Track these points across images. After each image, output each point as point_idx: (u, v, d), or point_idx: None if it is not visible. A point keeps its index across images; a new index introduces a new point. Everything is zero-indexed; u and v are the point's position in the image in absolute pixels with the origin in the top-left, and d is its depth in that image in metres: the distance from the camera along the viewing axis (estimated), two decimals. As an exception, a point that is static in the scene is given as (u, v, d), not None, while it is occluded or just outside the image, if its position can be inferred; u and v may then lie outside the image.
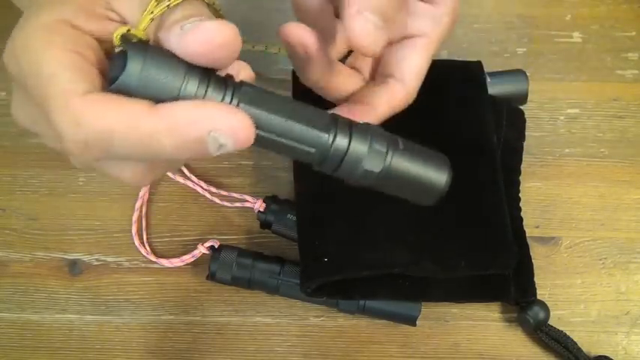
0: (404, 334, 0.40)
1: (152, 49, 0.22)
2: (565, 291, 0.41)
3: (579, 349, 0.39)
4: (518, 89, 0.44)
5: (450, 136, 0.41)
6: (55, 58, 0.22)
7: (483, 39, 0.49)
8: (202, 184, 0.43)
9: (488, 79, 0.42)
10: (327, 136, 0.24)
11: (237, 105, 0.23)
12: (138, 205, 0.43)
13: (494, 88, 0.42)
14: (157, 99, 0.22)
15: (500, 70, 0.44)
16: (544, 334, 0.39)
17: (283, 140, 0.24)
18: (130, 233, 0.42)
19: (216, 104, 0.22)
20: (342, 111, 0.29)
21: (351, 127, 0.25)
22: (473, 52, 0.48)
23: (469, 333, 0.40)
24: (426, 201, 0.27)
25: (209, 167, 0.44)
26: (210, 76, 0.23)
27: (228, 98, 0.23)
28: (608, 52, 0.48)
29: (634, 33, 0.49)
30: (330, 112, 0.26)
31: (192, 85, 0.22)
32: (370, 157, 0.24)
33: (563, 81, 0.48)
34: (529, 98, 0.44)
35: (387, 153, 0.25)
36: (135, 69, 0.21)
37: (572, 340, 0.39)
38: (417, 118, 0.41)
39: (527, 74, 0.44)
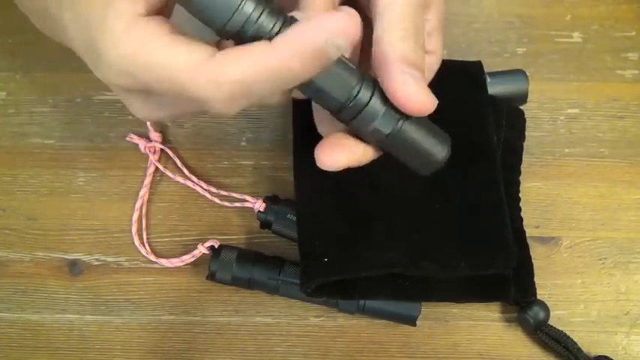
0: (404, 334, 0.40)
1: None
2: (565, 291, 0.41)
3: (579, 349, 0.39)
4: (518, 89, 0.44)
5: (449, 135, 0.41)
6: (163, 45, 0.23)
7: (483, 39, 0.49)
8: (202, 184, 0.43)
9: (488, 79, 0.42)
10: (356, 86, 0.26)
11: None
12: (138, 205, 0.43)
13: (494, 88, 0.42)
14: (212, 13, 0.23)
15: (500, 70, 0.44)
16: (544, 334, 0.39)
17: (322, 80, 0.26)
18: (130, 233, 0.42)
19: (319, 15, 0.23)
20: None
21: (375, 86, 0.27)
22: (473, 52, 0.48)
23: (469, 333, 0.40)
24: (424, 170, 0.29)
25: (209, 167, 0.44)
26: (267, 2, 0.24)
27: (277, 28, 0.24)
28: (608, 52, 0.48)
29: (634, 33, 0.49)
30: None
31: (249, 6, 0.23)
32: (383, 118, 0.27)
33: (563, 81, 0.48)
34: (529, 98, 0.44)
35: (398, 118, 0.27)
36: None
37: (572, 340, 0.39)
38: (417, 118, 0.41)
39: (527, 74, 0.44)
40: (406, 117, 0.28)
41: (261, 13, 0.24)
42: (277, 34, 0.24)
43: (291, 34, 0.23)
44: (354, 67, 0.27)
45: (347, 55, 0.26)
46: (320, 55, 0.23)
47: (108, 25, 0.24)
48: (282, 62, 0.23)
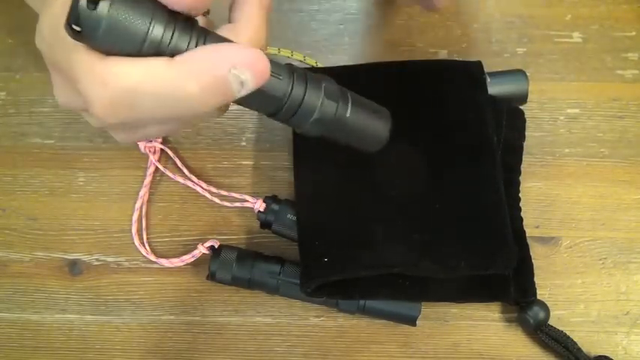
0: (404, 334, 0.40)
1: None
2: (565, 291, 0.41)
3: (579, 349, 0.39)
4: (518, 89, 0.44)
5: (450, 136, 0.41)
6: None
7: (483, 39, 0.49)
8: (202, 184, 0.43)
9: (488, 79, 0.42)
10: (287, 87, 0.25)
11: None
12: (138, 205, 0.43)
13: (494, 88, 0.42)
14: (123, 44, 0.22)
15: (500, 70, 0.44)
16: (544, 334, 0.39)
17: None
18: (130, 233, 0.42)
19: (230, 45, 0.22)
20: None
21: (307, 79, 0.26)
22: (473, 52, 0.48)
23: (469, 333, 0.40)
24: (371, 148, 0.29)
25: (209, 167, 0.44)
26: (175, 20, 0.23)
27: (193, 44, 0.23)
28: (608, 52, 0.48)
29: (634, 33, 0.49)
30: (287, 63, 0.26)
31: (158, 30, 0.22)
32: (322, 110, 0.26)
33: (563, 81, 0.47)
34: (529, 98, 0.44)
35: (337, 106, 0.26)
36: (103, 10, 0.21)
37: (572, 340, 0.39)
38: (417, 118, 0.41)
39: (527, 74, 0.44)
40: (344, 102, 0.26)
41: (172, 33, 0.22)
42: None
43: (195, 55, 0.22)
44: (281, 69, 0.25)
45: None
46: (222, 85, 0.22)
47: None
48: (175, 80, 0.22)
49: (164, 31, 0.22)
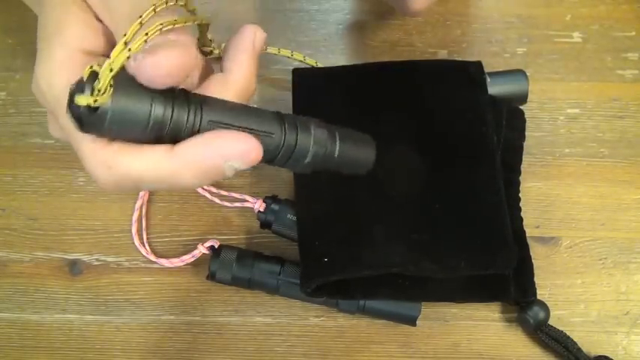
0: (404, 334, 0.40)
1: (119, 83, 0.22)
2: (565, 291, 0.41)
3: (579, 349, 0.39)
4: (518, 89, 0.44)
5: (450, 136, 0.41)
6: None
7: (483, 39, 0.49)
8: (202, 184, 0.43)
9: (488, 79, 0.42)
10: (279, 141, 0.26)
11: (201, 119, 0.24)
12: (138, 205, 0.43)
13: (494, 88, 0.42)
14: (128, 132, 0.23)
15: (500, 70, 0.44)
16: (544, 334, 0.39)
17: None
18: (130, 233, 0.42)
19: (226, 134, 0.24)
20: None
21: (297, 126, 0.27)
22: (473, 52, 0.48)
23: (469, 333, 0.40)
24: (359, 172, 0.31)
25: (209, 167, 0.44)
26: (172, 96, 0.24)
27: (192, 115, 0.24)
28: (608, 52, 0.48)
29: (634, 33, 0.49)
30: (274, 110, 0.28)
31: (159, 109, 0.23)
32: (314, 150, 0.27)
33: (563, 81, 0.47)
34: (529, 98, 0.44)
35: (327, 147, 0.28)
36: (105, 109, 0.22)
37: (572, 340, 0.39)
38: (417, 118, 0.41)
39: (527, 74, 0.44)
40: (332, 140, 0.28)
41: (172, 110, 0.23)
42: (191, 128, 0.24)
43: (191, 148, 0.23)
44: (272, 125, 0.26)
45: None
46: (215, 174, 0.24)
47: (53, 43, 0.24)
48: (175, 170, 0.24)
49: (164, 109, 0.23)
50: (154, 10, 0.23)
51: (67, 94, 0.22)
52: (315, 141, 0.27)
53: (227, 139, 0.24)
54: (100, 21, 0.25)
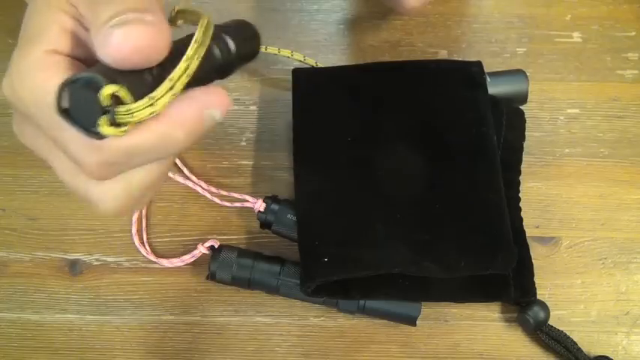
0: (404, 334, 0.40)
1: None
2: (565, 291, 0.41)
3: (579, 349, 0.39)
4: (518, 89, 0.44)
5: (450, 136, 0.41)
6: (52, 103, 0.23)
7: (483, 39, 0.49)
8: (202, 184, 0.43)
9: (488, 79, 0.42)
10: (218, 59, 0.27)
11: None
12: (138, 205, 0.43)
13: (494, 88, 0.42)
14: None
15: (500, 70, 0.44)
16: (544, 334, 0.39)
17: None
18: (130, 233, 0.42)
19: (201, 91, 0.24)
20: None
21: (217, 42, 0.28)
22: (473, 52, 0.48)
23: (469, 333, 0.40)
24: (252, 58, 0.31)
25: (209, 167, 0.44)
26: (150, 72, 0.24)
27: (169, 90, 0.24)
28: (608, 52, 0.48)
29: (634, 33, 0.49)
30: None
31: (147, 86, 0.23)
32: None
33: (563, 81, 0.48)
34: (529, 98, 0.44)
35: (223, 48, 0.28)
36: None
37: (572, 340, 0.39)
38: (418, 118, 0.41)
39: (527, 74, 0.44)
40: (223, 41, 0.28)
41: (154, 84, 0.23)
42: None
43: (178, 108, 0.24)
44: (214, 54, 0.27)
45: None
46: (200, 125, 0.24)
47: (32, 44, 0.25)
48: (166, 133, 0.24)
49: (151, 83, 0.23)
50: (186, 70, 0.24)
51: (47, 93, 0.22)
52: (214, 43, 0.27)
53: (204, 93, 0.24)
54: (83, 26, 0.25)
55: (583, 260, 0.42)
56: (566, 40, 0.49)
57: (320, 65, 0.46)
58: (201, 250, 0.41)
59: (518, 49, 0.48)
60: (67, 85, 0.22)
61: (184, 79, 0.23)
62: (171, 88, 0.23)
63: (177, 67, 0.23)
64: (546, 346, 0.40)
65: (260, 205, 0.41)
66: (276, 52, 0.45)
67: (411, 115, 0.41)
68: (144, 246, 0.42)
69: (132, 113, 0.22)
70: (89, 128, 0.22)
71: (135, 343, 0.40)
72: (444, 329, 0.41)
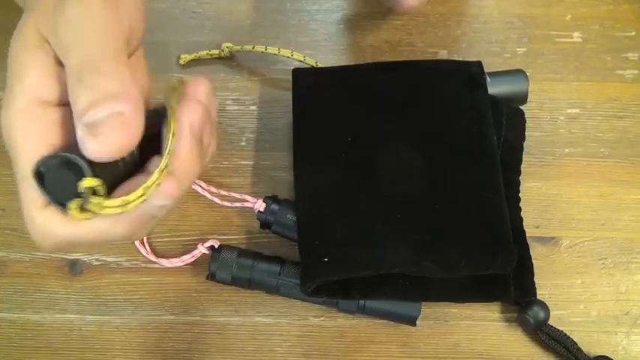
0: (404, 334, 0.40)
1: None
2: (565, 291, 0.41)
3: (579, 349, 0.39)
4: (518, 89, 0.44)
5: (450, 136, 0.41)
6: (26, 159, 0.25)
7: (483, 39, 0.49)
8: (202, 184, 0.43)
9: (488, 79, 0.42)
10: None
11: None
12: (138, 205, 0.43)
13: (494, 88, 0.43)
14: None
15: (500, 70, 0.44)
16: (544, 334, 0.39)
17: None
18: (130, 233, 0.42)
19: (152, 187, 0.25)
20: None
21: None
22: (473, 52, 0.48)
23: (469, 333, 0.40)
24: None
25: (209, 167, 0.44)
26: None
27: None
28: (608, 52, 0.48)
29: (634, 33, 0.49)
30: None
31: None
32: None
33: (563, 81, 0.48)
34: (529, 98, 0.44)
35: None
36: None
37: (572, 340, 0.39)
38: (418, 118, 0.41)
39: (527, 74, 0.44)
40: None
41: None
42: None
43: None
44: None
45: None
46: (148, 220, 0.26)
47: (14, 91, 0.25)
48: (106, 228, 0.25)
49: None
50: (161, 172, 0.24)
51: (24, 144, 0.24)
52: None
53: (161, 191, 0.25)
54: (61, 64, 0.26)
55: (583, 260, 0.42)
56: (566, 40, 0.49)
57: (320, 65, 0.46)
58: (201, 250, 0.41)
59: (518, 49, 0.48)
60: (51, 157, 0.23)
61: (154, 188, 0.24)
62: (142, 195, 0.24)
63: (151, 178, 0.24)
64: (546, 346, 0.40)
65: (260, 205, 0.41)
66: (276, 52, 0.45)
67: (411, 115, 0.41)
68: (144, 246, 0.42)
69: (102, 207, 0.23)
70: (58, 201, 0.24)
71: (135, 343, 0.40)
72: (444, 329, 0.41)
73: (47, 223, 0.25)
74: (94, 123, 0.23)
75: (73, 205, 0.23)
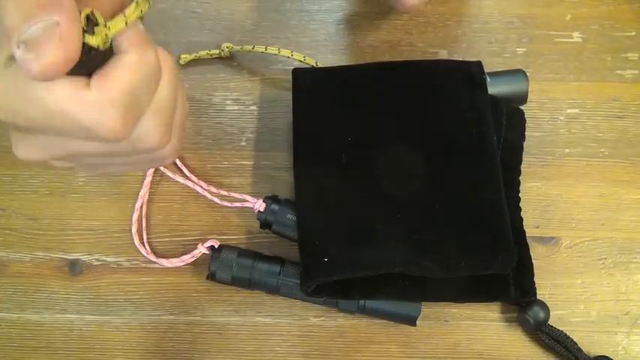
0: (404, 334, 0.40)
1: None
2: (565, 291, 0.41)
3: (579, 349, 0.39)
4: (518, 89, 0.44)
5: (450, 136, 0.41)
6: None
7: (483, 39, 0.49)
8: (202, 184, 0.43)
9: (488, 79, 0.42)
10: None
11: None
12: (138, 205, 0.43)
13: (494, 88, 0.42)
14: None
15: (500, 70, 0.44)
16: (544, 334, 0.39)
17: None
18: (130, 233, 0.42)
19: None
20: None
21: None
22: (473, 52, 0.48)
23: (469, 333, 0.40)
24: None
25: (209, 167, 0.44)
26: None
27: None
28: (608, 52, 0.48)
29: (634, 33, 0.49)
30: None
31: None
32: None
33: (563, 81, 0.48)
34: (529, 98, 0.44)
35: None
36: None
37: (572, 340, 0.39)
38: (418, 118, 0.41)
39: (527, 74, 0.44)
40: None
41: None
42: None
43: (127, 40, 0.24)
44: None
45: None
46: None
47: None
48: (141, 58, 0.24)
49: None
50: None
51: (38, 87, 0.22)
52: None
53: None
54: None
55: (583, 260, 0.42)
56: (566, 40, 0.49)
57: (320, 65, 0.46)
58: (201, 250, 0.41)
59: (518, 49, 0.48)
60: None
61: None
62: (137, 4, 0.23)
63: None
64: (546, 346, 0.40)
65: (260, 205, 0.41)
66: (276, 52, 0.45)
67: (411, 115, 0.41)
68: (144, 246, 0.42)
69: (108, 28, 0.23)
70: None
71: (135, 343, 0.40)
72: (444, 329, 0.41)
73: (103, 83, 0.23)
74: (30, 39, 0.21)
75: (86, 37, 0.22)
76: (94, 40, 0.22)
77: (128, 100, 0.23)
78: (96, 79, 0.23)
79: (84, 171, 0.31)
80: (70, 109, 0.23)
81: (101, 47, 0.23)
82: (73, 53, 0.22)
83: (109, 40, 0.23)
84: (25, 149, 0.26)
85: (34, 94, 0.23)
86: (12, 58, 0.23)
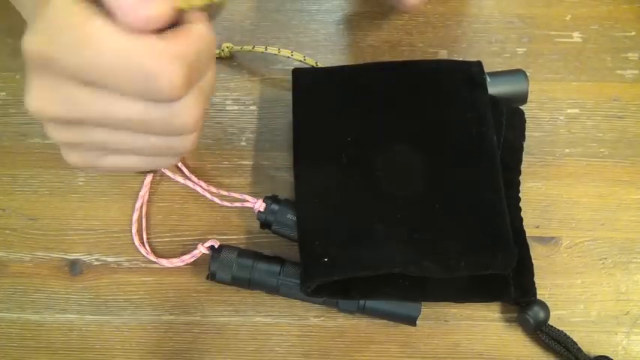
0: (404, 334, 0.40)
1: None
2: (565, 291, 0.41)
3: (579, 349, 0.39)
4: (518, 89, 0.44)
5: (450, 136, 0.41)
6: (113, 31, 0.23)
7: (483, 39, 0.49)
8: (202, 184, 0.43)
9: (488, 79, 0.42)
10: None
11: None
12: (138, 205, 0.43)
13: (495, 88, 0.42)
14: None
15: (500, 70, 0.44)
16: (544, 334, 0.39)
17: None
18: (130, 233, 0.42)
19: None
20: None
21: None
22: (473, 52, 0.48)
23: (469, 333, 0.40)
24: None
25: (209, 167, 0.44)
26: None
27: None
28: (608, 52, 0.48)
29: (634, 33, 0.49)
30: None
31: None
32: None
33: (563, 81, 0.48)
34: (529, 98, 0.44)
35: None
36: None
37: (572, 340, 0.39)
38: (418, 118, 0.41)
39: (527, 74, 0.44)
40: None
41: None
42: None
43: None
44: None
45: None
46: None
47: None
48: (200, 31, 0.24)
49: None
50: None
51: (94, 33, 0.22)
52: None
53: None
54: None
55: (583, 260, 0.42)
56: (566, 40, 0.49)
57: (320, 65, 0.46)
58: (201, 250, 0.41)
59: (518, 49, 0.48)
60: None
61: None
62: None
63: None
64: (546, 346, 0.40)
65: (260, 205, 0.41)
66: (276, 52, 0.45)
67: (411, 114, 0.41)
68: (144, 246, 0.42)
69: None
70: None
71: (135, 343, 0.40)
72: (444, 329, 0.41)
73: (176, 39, 0.24)
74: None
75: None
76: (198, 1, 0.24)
77: (194, 61, 0.24)
78: (169, 33, 0.24)
79: (91, 163, 0.31)
80: (138, 52, 0.23)
81: (196, 6, 0.24)
82: (173, 10, 0.23)
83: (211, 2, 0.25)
84: (48, 96, 0.27)
85: (105, 36, 0.23)
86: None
